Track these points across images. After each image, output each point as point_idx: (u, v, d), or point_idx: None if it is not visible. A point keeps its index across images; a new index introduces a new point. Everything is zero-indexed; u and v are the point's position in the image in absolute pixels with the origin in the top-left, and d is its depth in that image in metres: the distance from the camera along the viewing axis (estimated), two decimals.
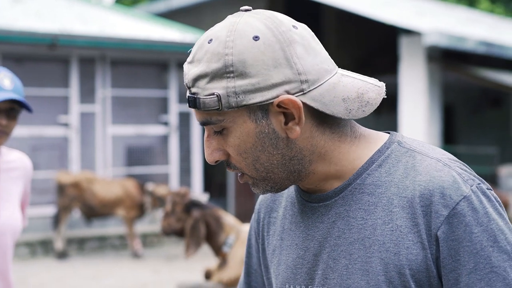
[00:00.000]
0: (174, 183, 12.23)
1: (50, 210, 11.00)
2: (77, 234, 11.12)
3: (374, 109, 1.32)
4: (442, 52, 12.36)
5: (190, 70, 1.30)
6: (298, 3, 14.98)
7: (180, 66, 12.30)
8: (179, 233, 5.07)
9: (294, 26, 1.30)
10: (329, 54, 1.36)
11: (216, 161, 1.34)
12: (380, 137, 1.38)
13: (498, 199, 1.32)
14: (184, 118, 12.54)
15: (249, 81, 1.26)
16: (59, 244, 10.30)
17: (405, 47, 12.28)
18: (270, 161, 1.31)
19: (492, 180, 11.72)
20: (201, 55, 1.29)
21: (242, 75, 1.26)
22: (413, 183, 1.29)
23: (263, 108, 1.28)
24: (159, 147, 12.60)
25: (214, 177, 14.55)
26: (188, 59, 1.32)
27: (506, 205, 5.06)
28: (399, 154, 1.34)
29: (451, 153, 1.37)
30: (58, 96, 11.59)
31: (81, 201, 10.33)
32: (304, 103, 1.28)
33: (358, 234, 1.31)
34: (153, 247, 11.41)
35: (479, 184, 1.29)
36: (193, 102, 1.29)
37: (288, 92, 1.27)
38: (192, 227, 4.70)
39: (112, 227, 11.55)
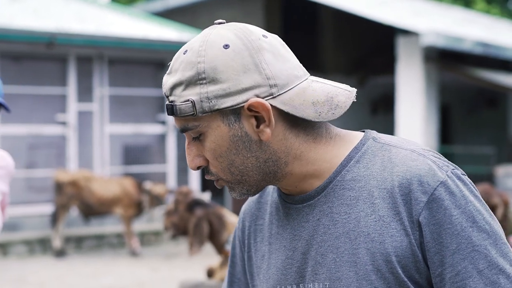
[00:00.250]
0: (172, 182, 12.25)
1: (48, 209, 10.99)
2: (75, 233, 11.12)
3: (344, 111, 1.37)
4: (439, 52, 12.41)
5: (168, 81, 1.38)
6: (295, 3, 15.00)
7: None
8: (182, 232, 5.09)
9: (264, 36, 1.37)
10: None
11: (198, 167, 1.41)
12: (355, 136, 1.43)
13: (473, 183, 1.38)
14: None
15: (220, 86, 1.33)
16: (57, 243, 10.30)
17: (402, 47, 12.31)
18: (245, 164, 1.37)
19: (489, 180, 11.75)
20: (177, 66, 1.37)
21: (213, 81, 1.33)
22: (391, 175, 1.35)
23: (235, 112, 1.34)
24: (157, 145, 12.61)
25: None
26: (167, 71, 1.40)
27: (506, 205, 5.09)
28: (375, 149, 1.39)
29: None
30: (55, 94, 11.59)
31: (79, 200, 10.33)
32: (274, 107, 1.34)
33: (343, 228, 1.36)
34: (151, 246, 11.41)
35: (453, 169, 1.35)
36: (171, 109, 1.36)
37: (258, 96, 1.33)
38: (195, 226, 4.71)
39: (110, 226, 11.55)
